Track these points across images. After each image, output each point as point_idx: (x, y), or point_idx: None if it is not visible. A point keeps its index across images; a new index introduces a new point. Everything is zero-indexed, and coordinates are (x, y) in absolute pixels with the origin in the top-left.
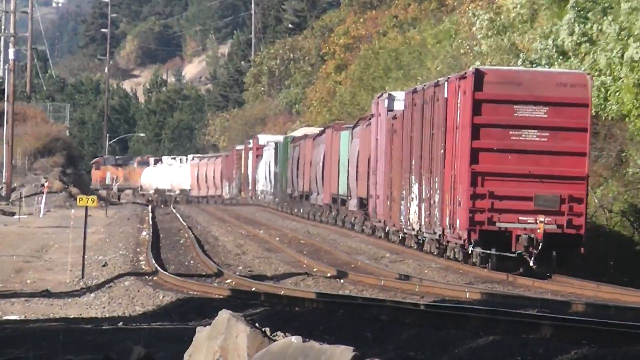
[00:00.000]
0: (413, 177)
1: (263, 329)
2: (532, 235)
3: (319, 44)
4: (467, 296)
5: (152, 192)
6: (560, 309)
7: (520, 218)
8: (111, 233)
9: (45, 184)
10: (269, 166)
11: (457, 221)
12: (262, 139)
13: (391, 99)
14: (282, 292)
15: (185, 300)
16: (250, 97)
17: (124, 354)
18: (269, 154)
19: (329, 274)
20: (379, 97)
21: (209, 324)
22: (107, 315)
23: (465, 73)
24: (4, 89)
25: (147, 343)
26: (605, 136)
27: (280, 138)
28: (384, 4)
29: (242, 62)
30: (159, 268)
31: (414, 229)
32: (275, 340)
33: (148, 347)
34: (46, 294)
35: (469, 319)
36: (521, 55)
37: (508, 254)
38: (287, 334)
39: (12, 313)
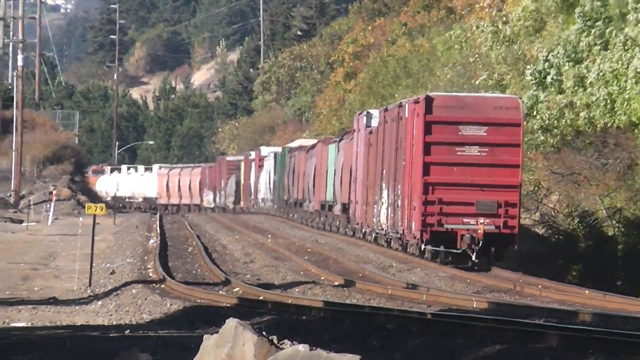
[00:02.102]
0: (383, 184)
1: (270, 338)
2: (474, 235)
3: (327, 52)
4: (474, 305)
5: (108, 199)
6: (567, 318)
7: (464, 220)
8: (119, 241)
9: (54, 192)
10: (269, 175)
11: (413, 223)
12: (264, 150)
13: (369, 116)
14: (289, 301)
15: (193, 308)
16: (259, 106)
17: None
18: (269, 164)
19: (336, 283)
20: (359, 114)
21: (216, 332)
22: (114, 323)
23: (418, 98)
24: (12, 96)
25: (154, 351)
26: (613, 145)
27: (279, 149)
28: (393, 12)
29: (251, 70)
30: (166, 276)
31: (383, 230)
32: (282, 349)
33: (155, 355)
34: (53, 301)
35: (476, 328)
36: (528, 66)
37: (454, 251)
38: (294, 342)
39: (19, 320)
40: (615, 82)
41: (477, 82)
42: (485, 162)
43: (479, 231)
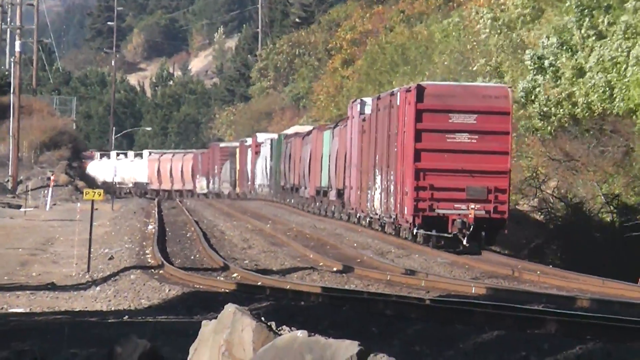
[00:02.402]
0: (377, 171)
1: (268, 323)
2: (465, 220)
3: (325, 39)
4: (473, 291)
5: (99, 184)
6: (566, 304)
7: (455, 205)
8: (117, 226)
9: (52, 177)
10: (266, 161)
11: (405, 208)
12: (261, 137)
13: (363, 103)
14: (287, 287)
15: (191, 294)
16: (257, 92)
17: (129, 348)
18: (265, 150)
19: (334, 269)
20: (353, 102)
21: (215, 318)
22: (112, 309)
23: (410, 87)
24: (10, 82)
25: (153, 337)
26: (611, 132)
27: (276, 136)
28: None
29: (249, 56)
30: (164, 262)
31: (377, 214)
32: (280, 335)
33: (153, 340)
34: (51, 287)
35: (475, 314)
36: (527, 51)
37: (445, 235)
38: (292, 328)
39: (17, 306)
40: (614, 70)
41: (474, 69)
42: (475, 149)
43: (470, 216)
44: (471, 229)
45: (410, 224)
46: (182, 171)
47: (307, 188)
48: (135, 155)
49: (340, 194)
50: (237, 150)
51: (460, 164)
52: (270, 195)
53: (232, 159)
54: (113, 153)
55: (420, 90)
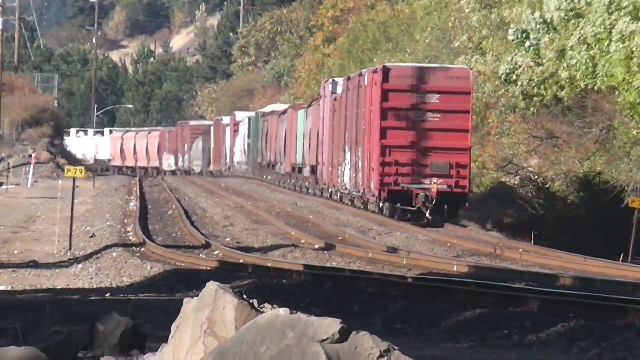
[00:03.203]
0: (346, 148)
1: (250, 301)
2: (428, 194)
3: (307, 16)
4: (455, 269)
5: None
6: (548, 282)
7: (418, 180)
8: (99, 204)
9: (33, 155)
10: (244, 139)
11: (372, 183)
12: (239, 115)
13: (334, 83)
14: (269, 264)
15: (173, 271)
16: (238, 69)
17: (110, 325)
18: (244, 128)
19: (316, 246)
20: (325, 82)
21: (197, 296)
22: (94, 286)
23: (376, 68)
24: None
25: (135, 314)
26: (592, 109)
27: (253, 114)
28: None
29: (231, 34)
30: (146, 239)
31: (347, 189)
32: (262, 312)
33: (135, 318)
34: (33, 264)
35: (456, 292)
36: (512, 25)
37: (410, 208)
38: (274, 305)
39: None
40: (596, 46)
41: (456, 44)
42: (438, 127)
43: (433, 190)
44: (434, 202)
45: (377, 197)
46: (147, 149)
47: (282, 164)
48: (96, 133)
49: (313, 170)
50: (212, 128)
51: (424, 141)
52: (249, 172)
53: (205, 137)
54: (72, 130)
55: (385, 71)
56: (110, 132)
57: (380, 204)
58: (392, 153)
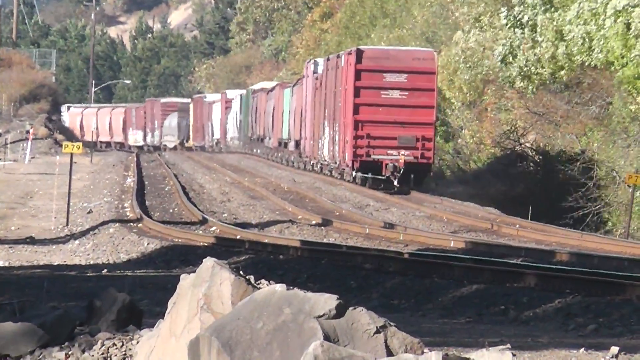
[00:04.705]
0: (326, 123)
1: (247, 277)
2: (396, 164)
3: None
4: (452, 245)
5: None
6: (545, 258)
7: (387, 152)
8: (96, 180)
9: (31, 131)
10: (237, 116)
11: (346, 154)
12: (231, 93)
13: (316, 64)
14: (266, 240)
15: (170, 247)
16: (235, 45)
17: (108, 301)
18: (236, 105)
19: (313, 222)
20: (307, 62)
21: (193, 272)
22: (91, 263)
23: (351, 50)
24: None
25: (131, 290)
26: (589, 85)
27: (244, 91)
28: None
29: (228, 9)
30: (143, 215)
31: (326, 161)
32: (259, 288)
33: (132, 294)
34: (30, 240)
35: (453, 268)
36: (502, 9)
37: (380, 177)
38: (271, 282)
39: None
40: (593, 22)
41: (456, 17)
42: (406, 104)
43: (400, 161)
44: (401, 172)
45: (350, 167)
46: (110, 124)
47: (270, 139)
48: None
49: (297, 144)
50: (191, 105)
51: (393, 116)
52: (240, 147)
53: (181, 114)
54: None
55: (359, 53)
56: (68, 108)
57: (354, 174)
58: (364, 127)
